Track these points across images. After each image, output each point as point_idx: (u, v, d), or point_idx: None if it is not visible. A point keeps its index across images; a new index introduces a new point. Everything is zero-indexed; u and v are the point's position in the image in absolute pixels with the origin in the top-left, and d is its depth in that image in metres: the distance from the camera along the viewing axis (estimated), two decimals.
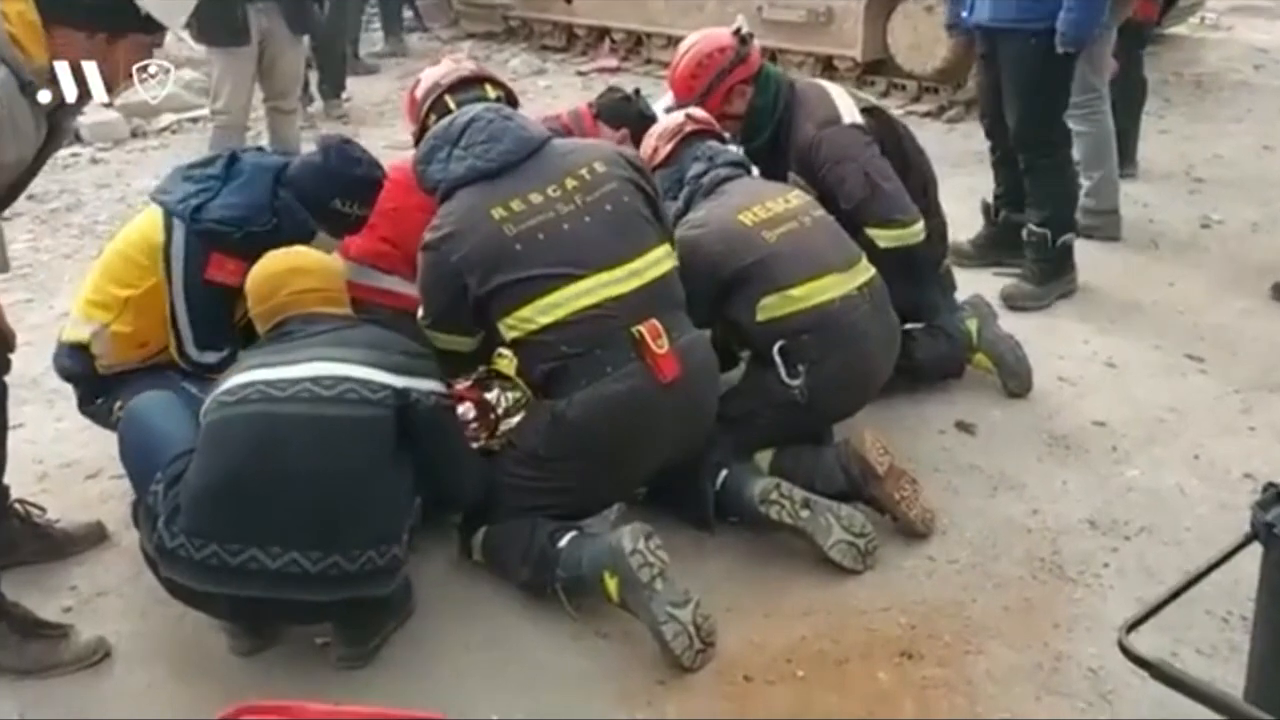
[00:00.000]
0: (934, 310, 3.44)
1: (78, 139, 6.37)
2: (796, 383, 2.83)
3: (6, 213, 2.62)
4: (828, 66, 6.93)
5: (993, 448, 3.19)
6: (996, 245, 4.31)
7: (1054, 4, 3.67)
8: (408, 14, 9.45)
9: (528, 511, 2.60)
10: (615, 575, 2.39)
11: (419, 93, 3.06)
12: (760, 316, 2.87)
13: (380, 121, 7.03)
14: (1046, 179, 4.02)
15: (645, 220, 2.70)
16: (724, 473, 2.77)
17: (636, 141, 3.37)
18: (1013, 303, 4.01)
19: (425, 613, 2.57)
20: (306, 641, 2.49)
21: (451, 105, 2.93)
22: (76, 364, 2.90)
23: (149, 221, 2.82)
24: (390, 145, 5.55)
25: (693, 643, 2.36)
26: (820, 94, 3.37)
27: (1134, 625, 1.51)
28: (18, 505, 2.78)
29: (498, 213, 2.58)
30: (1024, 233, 4.08)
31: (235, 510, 2.26)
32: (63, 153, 5.39)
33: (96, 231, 5.23)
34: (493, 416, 3.03)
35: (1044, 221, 4.02)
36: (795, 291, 2.86)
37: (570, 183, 2.65)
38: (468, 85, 3.00)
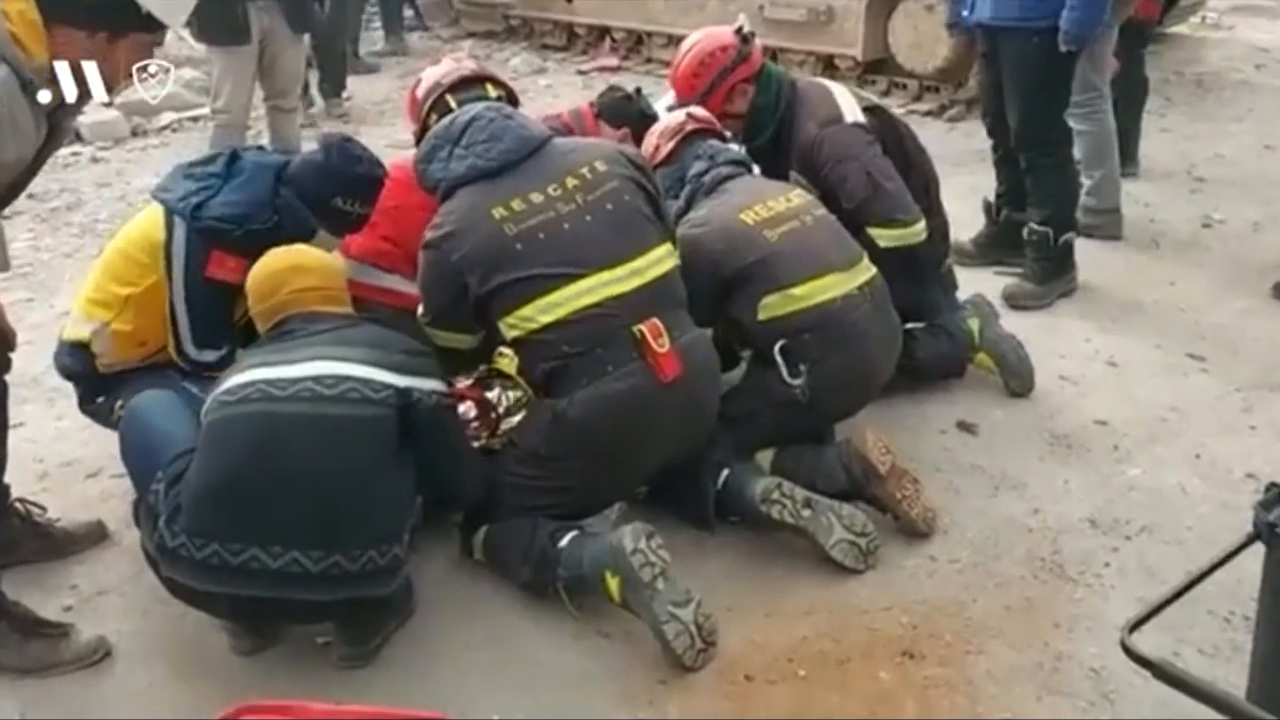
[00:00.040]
0: (935, 309, 3.43)
1: (78, 138, 6.36)
2: (798, 382, 2.83)
3: (7, 211, 2.62)
4: (828, 65, 6.93)
5: (994, 447, 3.19)
6: (998, 244, 4.31)
7: (1057, 2, 3.67)
8: (408, 13, 9.44)
9: (529, 511, 2.60)
10: (617, 575, 2.39)
11: (420, 92, 3.05)
12: (761, 316, 2.86)
13: (381, 120, 7.02)
14: (1048, 178, 4.02)
15: (646, 219, 2.69)
16: (725, 472, 2.77)
17: (638, 140, 3.37)
18: (1014, 302, 4.00)
19: (426, 612, 2.57)
20: (308, 641, 2.49)
21: (453, 104, 2.92)
22: (77, 362, 2.90)
23: (150, 220, 2.82)
24: (391, 144, 5.54)
25: (694, 642, 2.36)
26: (822, 93, 3.37)
27: (1136, 625, 1.51)
28: (18, 504, 2.78)
29: (498, 212, 2.58)
30: (1025, 231, 4.08)
31: (236, 510, 2.26)
32: (63, 151, 5.38)
33: (97, 230, 5.22)
34: (494, 416, 3.03)
35: (1045, 220, 4.02)
36: (797, 290, 2.85)
37: (571, 182, 2.65)
38: (469, 85, 3.00)
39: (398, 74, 8.07)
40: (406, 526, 2.41)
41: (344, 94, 7.33)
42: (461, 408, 2.87)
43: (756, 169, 3.34)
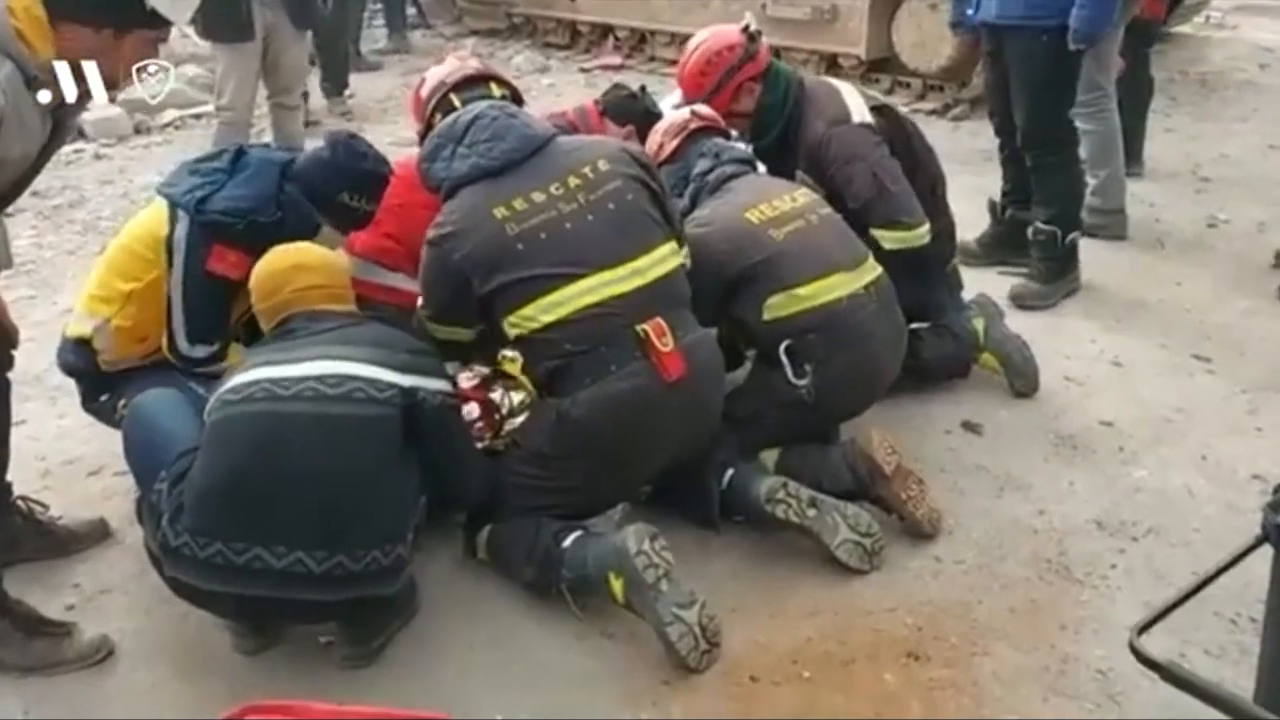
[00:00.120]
0: (941, 310, 3.43)
1: (81, 135, 6.37)
2: (803, 382, 2.82)
3: (10, 209, 2.62)
4: (832, 64, 6.92)
5: (999, 448, 3.18)
6: (1002, 244, 4.30)
7: (1064, 1, 3.66)
8: (411, 10, 9.44)
9: (532, 511, 2.59)
10: (620, 576, 2.38)
11: (424, 91, 3.05)
12: (767, 316, 2.86)
13: (384, 118, 7.01)
14: (1053, 177, 4.01)
15: (650, 218, 2.68)
16: (730, 472, 2.76)
17: (642, 138, 3.36)
18: (1021, 302, 4.00)
19: (430, 612, 2.56)
20: (310, 640, 2.48)
21: (457, 104, 2.91)
22: (79, 359, 2.90)
23: (154, 215, 2.82)
24: (394, 142, 5.54)
25: (698, 643, 2.35)
26: (830, 92, 3.36)
27: (1145, 627, 1.50)
28: (20, 502, 2.78)
29: (500, 212, 2.58)
30: (1030, 231, 4.07)
31: (240, 509, 2.26)
32: (66, 149, 5.39)
33: (100, 228, 5.22)
34: (498, 417, 3.02)
35: (1051, 220, 4.01)
36: (802, 290, 2.84)
37: (573, 181, 2.64)
38: (473, 84, 2.99)
39: (400, 72, 8.08)
40: (410, 526, 2.40)
41: (347, 92, 7.33)
42: (465, 409, 2.86)
43: (762, 167, 3.33)
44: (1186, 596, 1.57)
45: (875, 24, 6.67)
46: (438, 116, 2.92)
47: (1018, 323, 3.62)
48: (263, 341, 2.56)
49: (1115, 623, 2.45)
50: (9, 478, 2.71)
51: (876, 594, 2.60)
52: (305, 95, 6.12)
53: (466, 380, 3.08)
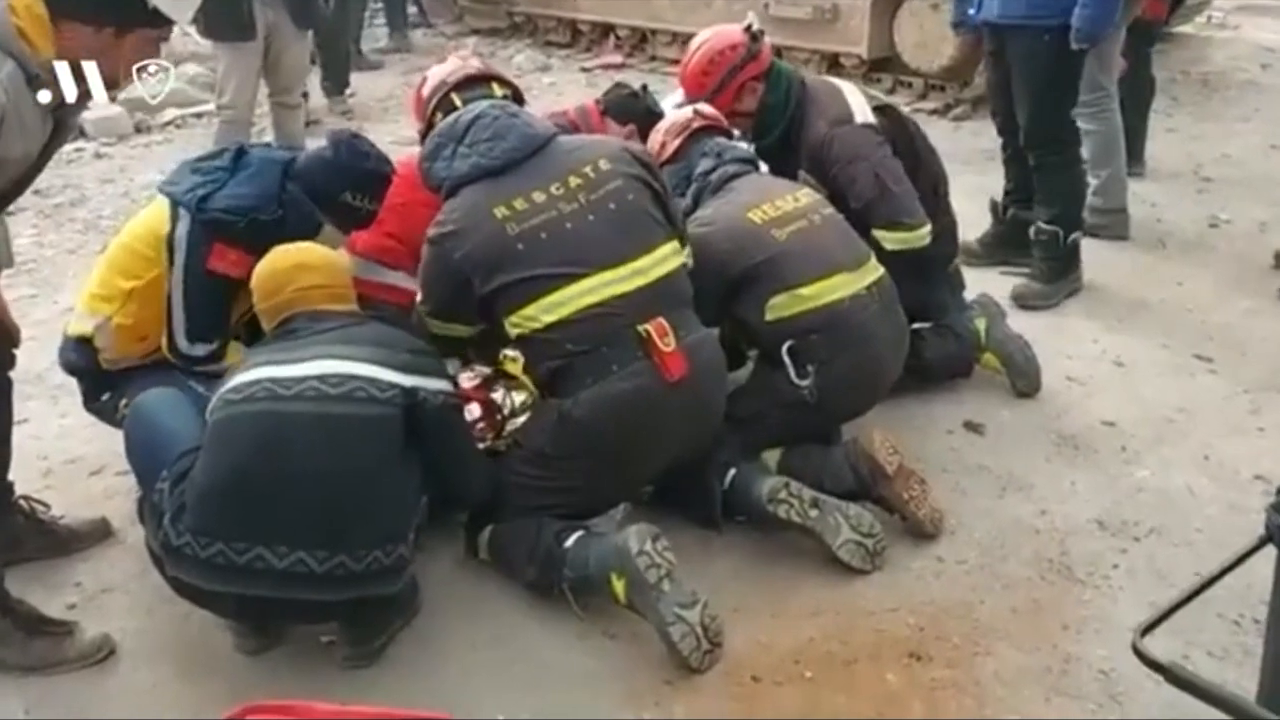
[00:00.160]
0: (943, 309, 3.42)
1: (82, 134, 6.36)
2: (805, 383, 2.81)
3: (11, 208, 2.61)
4: (834, 64, 6.91)
5: (1001, 448, 3.18)
6: (1004, 244, 4.30)
7: (1066, 0, 3.66)
8: (412, 9, 9.43)
9: (534, 511, 2.59)
10: (622, 576, 2.38)
11: (425, 91, 3.05)
12: (769, 316, 2.85)
13: (385, 117, 7.01)
14: (1056, 176, 4.01)
15: (651, 218, 2.68)
16: (732, 472, 2.76)
17: (643, 137, 3.36)
18: (1023, 302, 3.99)
19: (431, 611, 2.56)
20: (312, 640, 2.48)
21: (458, 103, 2.91)
22: (80, 358, 2.90)
23: (155, 213, 2.82)
24: (395, 141, 5.53)
25: (700, 643, 2.35)
26: (832, 91, 3.35)
27: (1148, 628, 1.50)
28: (22, 501, 2.78)
29: (500, 212, 2.57)
30: (1033, 231, 4.07)
31: (241, 509, 2.25)
32: (67, 147, 5.38)
33: (100, 226, 5.22)
34: (499, 417, 3.02)
35: (1053, 219, 4.01)
36: (805, 291, 2.84)
37: (574, 181, 2.63)
38: (474, 83, 2.99)
39: (401, 71, 8.07)
40: (412, 526, 2.40)
41: (348, 91, 7.32)
42: (467, 409, 2.86)
43: (764, 167, 3.33)
44: (1190, 597, 1.56)
45: (877, 23, 6.66)
46: (439, 116, 2.92)
47: (1020, 323, 3.62)
48: (264, 341, 2.56)
49: (1117, 623, 2.45)
50: (11, 477, 2.71)
51: (878, 594, 2.59)
52: (305, 95, 6.12)
53: (468, 380, 3.07)
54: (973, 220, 4.22)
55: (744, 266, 2.87)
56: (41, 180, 2.57)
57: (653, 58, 8.02)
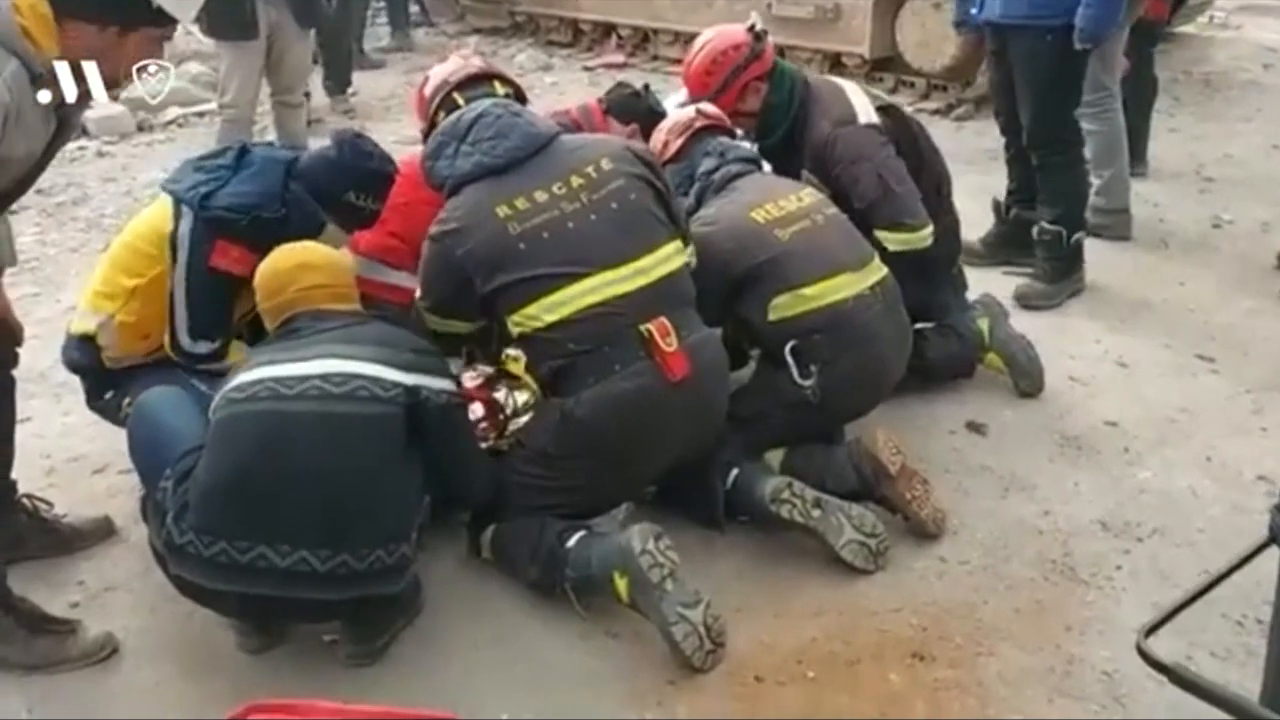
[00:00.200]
0: (945, 309, 3.42)
1: (84, 133, 6.36)
2: (808, 383, 2.81)
3: (14, 206, 2.61)
4: (836, 63, 6.91)
5: (1004, 448, 3.17)
6: (1006, 244, 4.30)
7: (1068, 0, 3.66)
8: (414, 8, 9.43)
9: (536, 510, 2.59)
10: (625, 575, 2.38)
11: (428, 90, 3.04)
12: (772, 316, 2.85)
13: (386, 116, 7.01)
14: (1059, 176, 4.01)
15: (653, 217, 2.68)
16: (734, 472, 2.76)
17: (646, 136, 3.36)
18: (1026, 302, 3.99)
19: (434, 611, 2.56)
20: (314, 639, 2.48)
21: (460, 102, 2.91)
22: (83, 356, 2.90)
23: (158, 211, 2.83)
24: (398, 140, 5.52)
25: (703, 643, 2.35)
26: (835, 91, 3.35)
27: (1152, 629, 1.50)
28: (25, 500, 2.78)
29: (502, 211, 2.57)
30: (1036, 231, 4.06)
31: (244, 508, 2.26)
32: (69, 146, 5.38)
33: (103, 225, 5.22)
34: (502, 417, 3.02)
35: (1057, 219, 4.01)
36: (808, 291, 2.84)
37: (576, 180, 2.63)
38: (476, 82, 2.99)
39: (403, 70, 8.07)
40: (414, 525, 2.41)
41: (349, 90, 7.32)
42: (469, 408, 2.86)
43: (767, 166, 3.33)
44: (1194, 598, 1.56)
45: (879, 23, 6.66)
46: (441, 114, 2.92)
47: (1022, 323, 3.62)
48: (267, 340, 2.56)
49: (1120, 624, 2.45)
50: (13, 475, 2.71)
51: (881, 594, 2.59)
52: (308, 94, 6.12)
53: (470, 380, 3.07)
54: (975, 220, 4.21)
55: (747, 266, 2.86)
56: (44, 179, 2.58)
57: (654, 57, 8.02)
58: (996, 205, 4.36)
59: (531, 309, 2.54)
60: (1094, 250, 4.23)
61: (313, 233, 2.77)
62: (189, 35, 5.43)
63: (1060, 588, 2.62)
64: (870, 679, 2.36)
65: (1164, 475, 3.05)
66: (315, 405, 2.30)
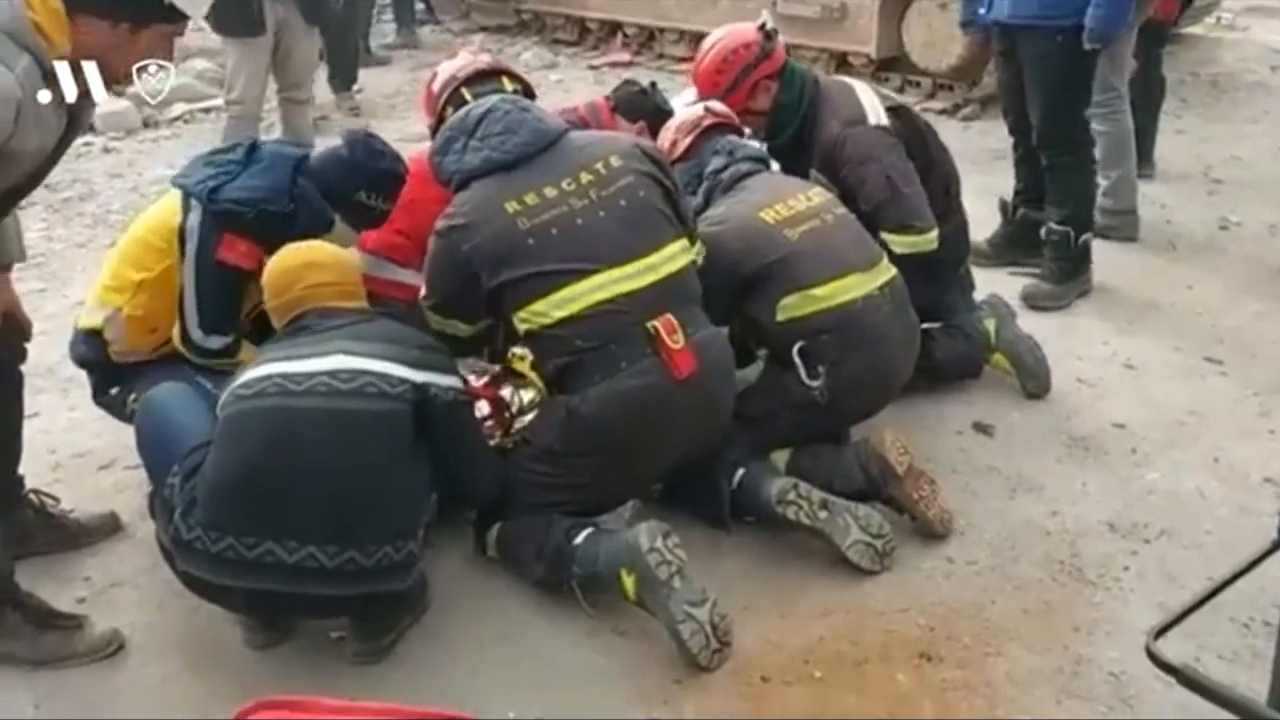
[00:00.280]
0: (953, 310, 3.41)
1: (90, 128, 6.35)
2: (816, 384, 2.80)
3: (21, 202, 2.61)
4: (842, 63, 6.89)
5: (1011, 449, 3.17)
6: (1013, 244, 4.29)
7: (1078, 0, 3.65)
8: (420, 6, 9.43)
9: (543, 508, 2.59)
10: (633, 573, 2.38)
11: (436, 86, 3.04)
12: (780, 316, 2.84)
13: (392, 114, 7.00)
14: (1069, 177, 4.00)
15: (661, 214, 2.67)
16: (741, 471, 2.75)
17: (653, 135, 3.35)
18: (1033, 302, 3.98)
19: (440, 608, 2.56)
20: (321, 636, 2.48)
21: (468, 98, 2.90)
22: (90, 350, 2.91)
23: (167, 205, 2.84)
24: (403, 138, 5.50)
25: (709, 642, 2.35)
26: (845, 91, 3.34)
27: (1162, 631, 1.49)
28: (32, 495, 2.78)
29: (511, 206, 2.57)
30: (1043, 231, 4.06)
31: (252, 504, 2.26)
32: (75, 142, 5.37)
33: (109, 221, 5.23)
34: (508, 415, 3.01)
35: (1065, 220, 4.00)
36: (817, 291, 2.83)
37: (585, 177, 2.63)
38: (485, 78, 2.98)
39: (409, 67, 8.06)
40: (421, 522, 2.41)
41: (355, 87, 7.31)
42: (476, 406, 2.85)
43: (775, 165, 3.32)
44: (1203, 600, 1.56)
45: (885, 23, 6.64)
46: (449, 110, 2.92)
47: (1030, 323, 3.61)
48: (275, 338, 2.56)
49: (1128, 625, 2.45)
50: (21, 471, 2.70)
51: (888, 594, 2.59)
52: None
53: (477, 378, 3.07)
54: (981, 221, 4.20)
55: (756, 266, 2.86)
56: (50, 175, 2.58)
57: (660, 55, 8.00)
58: (1003, 205, 4.35)
59: (539, 305, 2.54)
60: (1101, 251, 4.22)
61: (320, 230, 2.77)
62: (198, 31, 5.42)
63: (1068, 588, 2.62)
64: (877, 679, 2.35)
65: (1172, 477, 3.04)
66: (323, 401, 2.31)
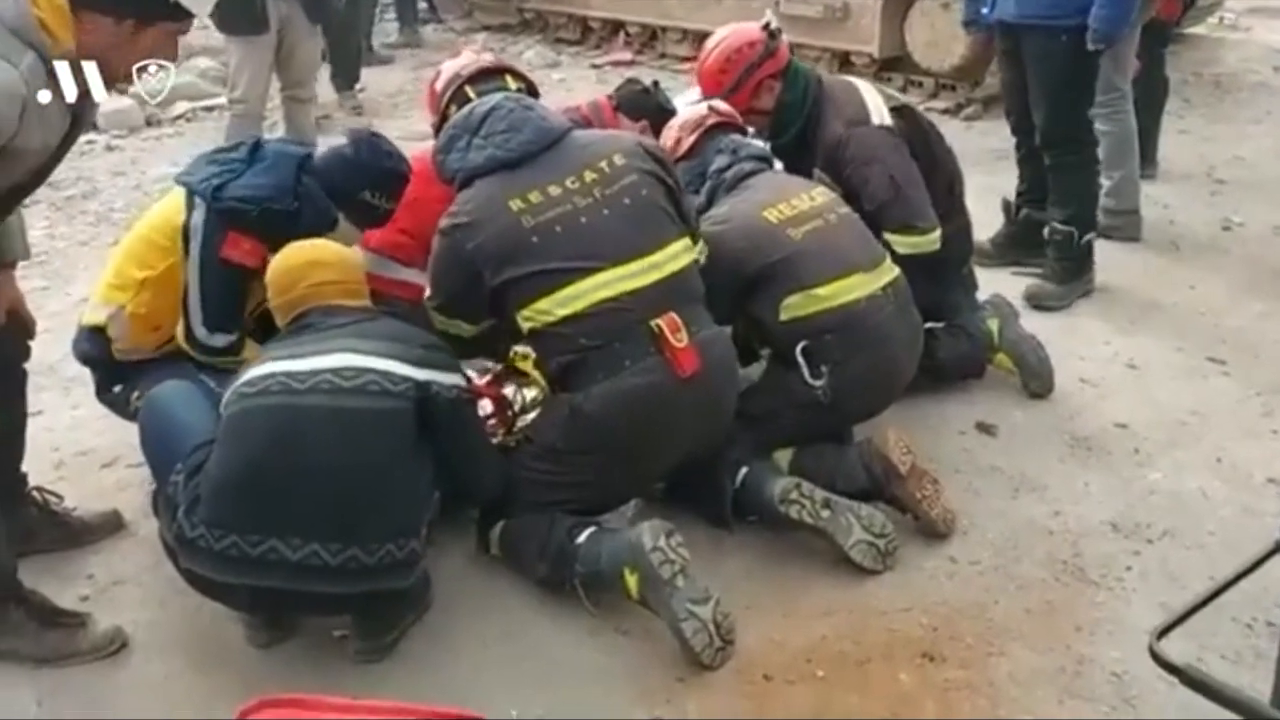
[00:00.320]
0: (956, 310, 3.41)
1: (93, 127, 6.36)
2: (820, 383, 2.80)
3: (25, 200, 2.61)
4: (845, 63, 6.89)
5: (1014, 449, 3.17)
6: (1016, 244, 4.29)
7: (1082, 0, 3.65)
8: (422, 5, 9.43)
9: (546, 506, 2.59)
10: (635, 572, 2.38)
11: (439, 84, 3.05)
12: (784, 316, 2.84)
13: (395, 113, 7.00)
14: (1072, 177, 4.00)
15: (664, 213, 2.68)
16: (743, 471, 2.75)
17: (656, 134, 3.35)
18: (1036, 302, 3.98)
19: (443, 607, 2.56)
20: (324, 634, 2.48)
21: (472, 96, 2.91)
22: (94, 348, 2.92)
23: (172, 204, 2.84)
24: (405, 136, 5.49)
25: (712, 640, 2.35)
26: (849, 91, 3.34)
27: (1164, 631, 1.49)
28: (35, 493, 2.79)
29: (515, 204, 2.57)
30: (1046, 231, 4.05)
31: (255, 501, 2.26)
32: (79, 140, 5.38)
33: (112, 219, 5.23)
34: (511, 413, 3.02)
35: (1068, 220, 3.99)
36: (821, 291, 2.83)
37: (589, 175, 2.63)
38: (488, 76, 2.99)
39: (412, 66, 8.06)
40: (424, 520, 2.41)
41: (357, 86, 7.32)
42: (479, 405, 2.86)
43: (779, 165, 3.32)
44: (1206, 601, 1.56)
45: (888, 22, 6.64)
46: (453, 109, 2.92)
47: (1032, 323, 3.61)
48: (279, 336, 2.57)
49: (1131, 625, 2.45)
50: (24, 468, 2.71)
51: (891, 594, 2.59)
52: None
53: (479, 376, 3.07)
54: (984, 221, 4.19)
55: (759, 265, 2.86)
56: (54, 173, 2.59)
57: (663, 55, 8.00)
58: (1006, 205, 4.35)
59: (543, 303, 2.54)
60: (1104, 252, 4.22)
61: (324, 228, 2.78)
62: (201, 30, 5.42)
63: (1070, 588, 2.62)
64: (880, 678, 2.35)
65: (1174, 477, 3.04)
66: (326, 399, 2.31)
